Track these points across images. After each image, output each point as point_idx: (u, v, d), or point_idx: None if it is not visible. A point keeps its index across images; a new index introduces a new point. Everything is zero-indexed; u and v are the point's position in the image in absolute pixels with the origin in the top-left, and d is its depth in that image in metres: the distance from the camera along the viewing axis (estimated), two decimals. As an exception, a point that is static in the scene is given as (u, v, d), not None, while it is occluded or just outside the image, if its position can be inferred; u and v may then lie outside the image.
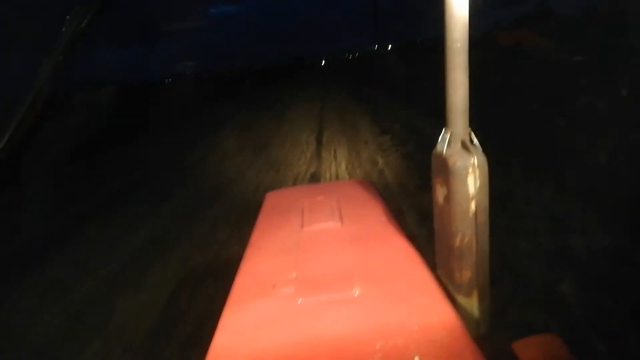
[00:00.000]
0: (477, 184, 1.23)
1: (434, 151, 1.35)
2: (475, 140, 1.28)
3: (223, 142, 9.82)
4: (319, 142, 8.33)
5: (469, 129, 1.29)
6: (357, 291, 1.25)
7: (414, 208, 3.89)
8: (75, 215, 5.80)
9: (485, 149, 1.27)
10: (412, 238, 1.58)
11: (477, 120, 1.35)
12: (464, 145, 1.28)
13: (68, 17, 0.94)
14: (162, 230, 4.83)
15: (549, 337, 1.21)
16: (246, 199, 5.45)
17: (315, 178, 6.08)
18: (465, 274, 1.28)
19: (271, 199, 2.33)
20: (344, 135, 8.65)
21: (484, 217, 1.26)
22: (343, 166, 6.48)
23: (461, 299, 1.30)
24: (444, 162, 1.28)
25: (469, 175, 1.22)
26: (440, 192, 1.33)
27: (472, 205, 1.24)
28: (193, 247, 4.15)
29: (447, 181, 1.27)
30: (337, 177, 5.87)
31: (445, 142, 1.29)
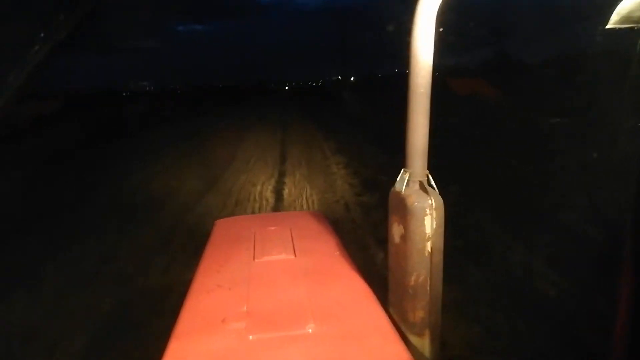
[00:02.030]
0: (434, 225, 1.26)
1: (392, 190, 1.38)
2: (433, 182, 1.31)
3: (172, 165, 9.36)
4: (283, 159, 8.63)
5: (427, 171, 1.33)
6: (311, 328, 1.23)
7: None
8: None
9: (442, 192, 1.31)
10: (365, 273, 1.58)
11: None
12: (422, 187, 1.31)
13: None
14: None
15: None
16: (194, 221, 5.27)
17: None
18: (419, 313, 1.29)
19: (221, 227, 2.26)
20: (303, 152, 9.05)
21: (439, 258, 1.28)
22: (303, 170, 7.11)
23: (413, 339, 1.30)
24: (402, 202, 1.30)
25: (426, 215, 1.25)
26: (396, 231, 1.35)
27: (428, 246, 1.26)
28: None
29: (404, 220, 1.29)
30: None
31: (404, 182, 1.32)
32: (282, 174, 7.93)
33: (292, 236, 1.93)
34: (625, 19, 1.03)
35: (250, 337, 1.21)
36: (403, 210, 1.29)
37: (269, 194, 6.59)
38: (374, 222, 4.59)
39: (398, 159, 1.37)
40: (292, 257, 1.72)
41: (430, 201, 1.26)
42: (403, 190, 1.31)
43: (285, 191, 6.85)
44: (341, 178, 6.55)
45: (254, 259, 1.72)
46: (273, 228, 2.08)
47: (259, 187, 7.08)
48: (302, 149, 10.20)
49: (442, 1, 1.23)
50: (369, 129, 11.37)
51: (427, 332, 1.30)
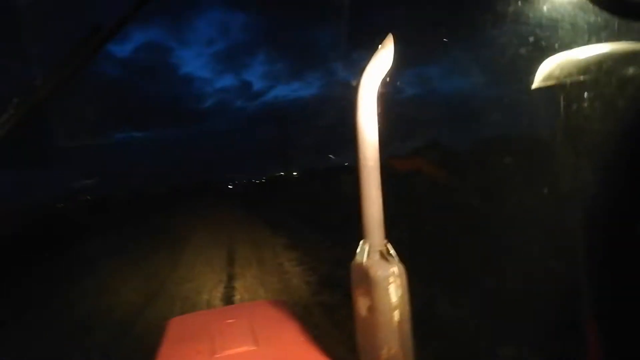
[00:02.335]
0: (399, 293, 1.26)
1: (353, 262, 1.38)
2: (393, 251, 1.34)
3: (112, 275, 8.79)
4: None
5: (385, 240, 1.36)
6: None
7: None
8: None
9: (402, 260, 1.34)
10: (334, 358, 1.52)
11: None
12: (382, 256, 1.33)
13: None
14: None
15: None
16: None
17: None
18: (394, 389, 1.23)
19: (174, 327, 2.12)
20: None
21: (408, 326, 1.27)
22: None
23: (392, 419, 1.23)
24: (364, 273, 1.31)
25: (390, 284, 1.26)
26: (362, 303, 1.34)
27: (396, 315, 1.25)
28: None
29: (368, 292, 1.29)
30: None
31: (365, 253, 1.34)
32: (231, 278, 7.64)
33: (252, 327, 1.84)
34: (548, 77, 1.19)
35: None
36: (366, 281, 1.29)
37: (217, 302, 6.26)
38: (338, 323, 4.47)
39: (353, 249, 1.40)
40: (255, 347, 1.63)
41: (392, 269, 1.28)
42: (364, 261, 1.32)
43: (237, 297, 6.55)
44: (296, 276, 6.37)
45: (213, 355, 1.61)
46: (232, 320, 1.98)
47: (205, 296, 6.69)
48: (250, 248, 10.03)
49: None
50: (317, 222, 11.48)
51: (405, 409, 1.24)
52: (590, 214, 0.87)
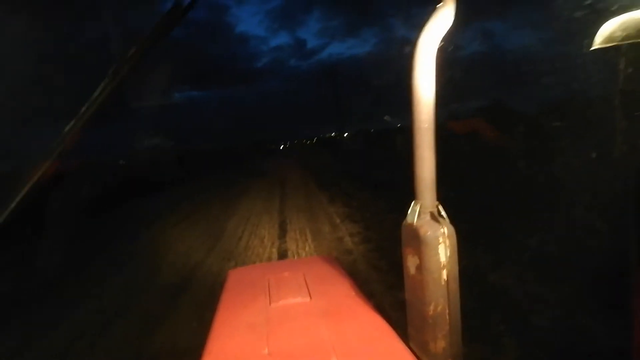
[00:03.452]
0: (448, 253, 1.29)
1: (404, 222, 1.41)
2: (443, 212, 1.36)
3: (178, 224, 9.38)
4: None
5: (437, 202, 1.38)
6: None
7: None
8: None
9: (453, 221, 1.35)
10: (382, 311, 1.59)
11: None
12: (433, 217, 1.35)
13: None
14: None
15: None
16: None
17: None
18: (440, 343, 1.28)
19: (234, 277, 2.27)
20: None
21: (455, 286, 1.30)
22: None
23: (436, 370, 1.29)
24: (414, 233, 1.34)
25: (439, 244, 1.28)
26: (411, 262, 1.38)
27: (444, 274, 1.28)
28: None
29: (418, 251, 1.32)
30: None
31: (415, 214, 1.36)
32: (283, 222, 8.00)
33: (306, 280, 1.94)
34: (608, 39, 1.12)
35: None
36: (416, 241, 1.33)
37: (274, 230, 6.84)
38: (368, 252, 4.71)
39: (395, 204, 1.42)
40: (308, 299, 1.73)
41: (442, 230, 1.30)
42: (415, 222, 1.35)
43: (289, 232, 7.05)
44: (363, 259, 5.16)
45: (270, 304, 1.73)
46: (286, 274, 2.09)
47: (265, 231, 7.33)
48: (300, 201, 10.18)
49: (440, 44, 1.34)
50: (366, 180, 11.41)
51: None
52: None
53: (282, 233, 7.21)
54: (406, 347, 1.31)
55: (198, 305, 4.32)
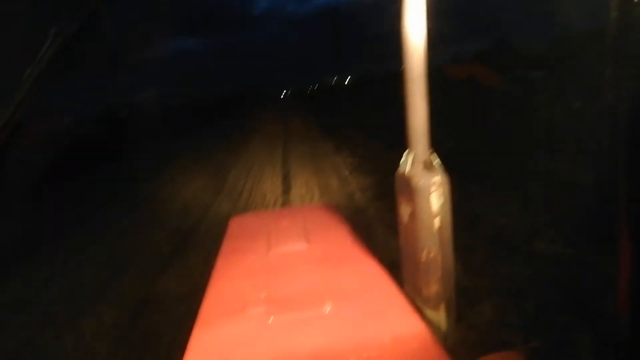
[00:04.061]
0: (441, 201, 1.30)
1: (397, 172, 1.42)
2: (437, 161, 1.36)
3: (179, 173, 9.42)
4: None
5: (430, 150, 1.38)
6: (328, 308, 1.27)
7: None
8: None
9: (447, 169, 1.36)
10: (379, 258, 1.63)
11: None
12: (426, 166, 1.35)
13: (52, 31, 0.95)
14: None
15: (512, 355, 1.26)
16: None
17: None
18: (432, 287, 1.33)
19: (235, 224, 2.33)
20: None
21: (448, 233, 1.33)
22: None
23: (429, 313, 1.34)
24: (407, 182, 1.35)
25: (432, 193, 1.29)
26: (405, 211, 1.40)
27: (437, 222, 1.31)
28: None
29: (411, 200, 1.34)
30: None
31: (408, 164, 1.36)
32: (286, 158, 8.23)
33: (305, 227, 1.98)
34: None
35: (271, 320, 1.26)
36: (409, 190, 1.34)
37: (278, 167, 8.07)
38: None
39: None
40: (307, 246, 1.78)
41: (435, 179, 1.31)
42: (407, 172, 1.36)
43: (292, 164, 7.69)
44: (378, 221, 4.40)
45: (269, 251, 1.78)
46: (286, 221, 2.14)
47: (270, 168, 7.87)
48: (309, 167, 10.09)
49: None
50: (364, 124, 11.24)
51: (442, 306, 1.34)
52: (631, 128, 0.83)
53: (286, 189, 6.81)
54: (401, 292, 1.35)
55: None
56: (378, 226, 4.20)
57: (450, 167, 1.38)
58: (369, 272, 1.49)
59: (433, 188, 1.30)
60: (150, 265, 4.21)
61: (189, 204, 6.53)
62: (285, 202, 6.05)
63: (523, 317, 2.41)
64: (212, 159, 11.01)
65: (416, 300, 1.38)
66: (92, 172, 10.25)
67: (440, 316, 1.35)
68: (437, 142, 1.41)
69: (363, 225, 4.09)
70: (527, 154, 4.49)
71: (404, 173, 1.37)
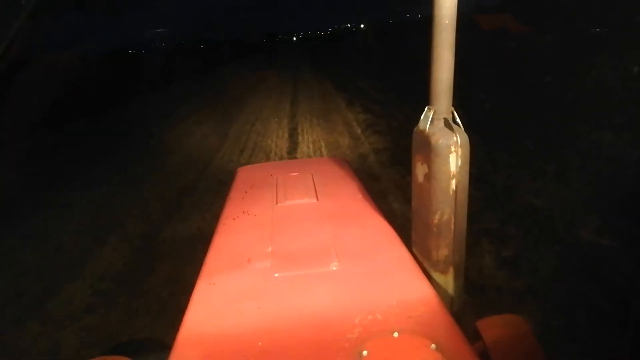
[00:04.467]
0: (459, 163, 1.23)
1: (415, 128, 1.34)
2: (458, 119, 1.27)
3: (191, 116, 9.25)
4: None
5: (452, 108, 1.29)
6: (335, 266, 1.24)
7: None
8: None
9: (468, 129, 1.27)
10: (388, 216, 1.58)
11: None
12: (447, 124, 1.27)
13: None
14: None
15: (511, 317, 1.24)
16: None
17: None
18: (442, 251, 1.29)
19: (243, 175, 2.28)
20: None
21: (464, 196, 1.26)
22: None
23: (437, 276, 1.31)
24: (426, 140, 1.27)
25: (451, 153, 1.22)
26: (420, 170, 1.33)
27: (453, 184, 1.24)
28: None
29: (428, 159, 1.27)
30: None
31: (428, 120, 1.28)
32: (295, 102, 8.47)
33: (314, 181, 1.93)
34: None
35: (276, 275, 1.23)
36: (427, 148, 1.26)
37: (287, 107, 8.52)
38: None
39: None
40: (315, 200, 1.74)
41: (455, 139, 1.23)
42: (427, 129, 1.28)
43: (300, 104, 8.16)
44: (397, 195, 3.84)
45: (277, 203, 1.74)
46: (295, 174, 2.09)
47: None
48: (311, 95, 10.05)
49: None
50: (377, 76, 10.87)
51: (450, 270, 1.31)
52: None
53: (293, 145, 6.43)
54: (408, 252, 1.32)
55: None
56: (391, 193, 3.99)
57: (476, 129, 1.29)
58: (378, 231, 1.45)
59: (453, 148, 1.22)
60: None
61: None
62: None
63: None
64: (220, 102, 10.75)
65: (424, 263, 1.34)
66: (95, 114, 9.89)
67: (448, 280, 1.31)
68: (466, 99, 1.31)
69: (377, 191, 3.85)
70: (569, 120, 4.08)
71: (423, 130, 1.28)
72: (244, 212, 1.71)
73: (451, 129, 1.25)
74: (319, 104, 9.72)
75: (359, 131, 6.71)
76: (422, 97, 1.34)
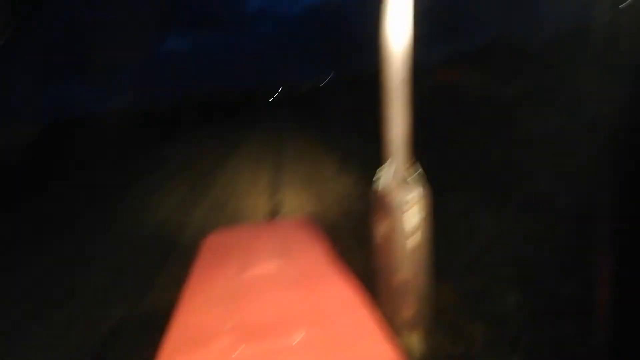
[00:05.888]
0: (417, 219, 1.21)
1: (373, 187, 1.33)
2: (416, 174, 1.27)
3: (160, 185, 8.65)
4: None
5: (410, 163, 1.28)
6: (299, 338, 1.18)
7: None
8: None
9: (427, 182, 1.26)
10: (358, 276, 1.54)
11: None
12: (403, 181, 1.26)
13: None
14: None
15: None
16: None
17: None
18: (408, 311, 1.24)
19: (209, 243, 2.21)
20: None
21: (425, 252, 1.24)
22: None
23: (406, 335, 1.26)
24: (383, 198, 1.26)
25: (406, 211, 1.21)
26: (379, 230, 1.31)
27: (412, 241, 1.22)
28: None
29: (386, 218, 1.25)
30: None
31: (384, 179, 1.27)
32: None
33: (281, 245, 1.88)
34: None
35: (236, 353, 1.16)
36: (384, 207, 1.25)
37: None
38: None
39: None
40: (282, 266, 1.68)
41: (413, 194, 1.22)
42: (383, 187, 1.27)
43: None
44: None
45: (243, 272, 1.67)
46: (262, 238, 2.03)
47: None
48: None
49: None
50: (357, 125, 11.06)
51: (417, 329, 1.26)
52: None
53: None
54: (375, 315, 1.27)
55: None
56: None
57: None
58: (345, 295, 1.40)
59: (409, 205, 1.21)
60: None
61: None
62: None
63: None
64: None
65: (392, 324, 1.29)
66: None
67: (415, 340, 1.26)
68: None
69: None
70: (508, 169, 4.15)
71: (379, 189, 1.27)
72: (207, 284, 1.64)
73: (409, 184, 1.24)
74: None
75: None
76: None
